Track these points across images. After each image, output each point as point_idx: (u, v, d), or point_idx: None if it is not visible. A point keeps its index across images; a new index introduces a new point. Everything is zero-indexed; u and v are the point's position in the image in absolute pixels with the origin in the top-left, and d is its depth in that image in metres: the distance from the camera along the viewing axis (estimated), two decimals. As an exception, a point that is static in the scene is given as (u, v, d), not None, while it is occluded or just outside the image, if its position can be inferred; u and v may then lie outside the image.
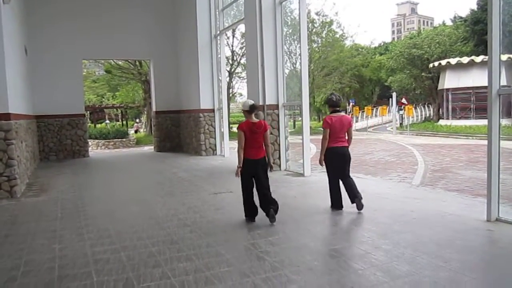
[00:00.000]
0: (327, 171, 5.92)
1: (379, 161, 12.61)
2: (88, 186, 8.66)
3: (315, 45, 35.32)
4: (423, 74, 36.98)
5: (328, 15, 36.49)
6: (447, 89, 31.08)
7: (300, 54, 9.05)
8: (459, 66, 29.87)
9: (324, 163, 5.82)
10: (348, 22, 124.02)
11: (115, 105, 37.70)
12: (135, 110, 40.27)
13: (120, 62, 27.70)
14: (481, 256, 3.99)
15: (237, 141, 5.23)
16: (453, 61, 30.41)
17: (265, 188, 5.21)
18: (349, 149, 5.88)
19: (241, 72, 31.17)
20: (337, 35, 37.79)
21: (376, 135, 27.02)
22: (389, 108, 38.56)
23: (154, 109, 15.58)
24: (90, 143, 18.51)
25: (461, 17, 42.88)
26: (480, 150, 14.32)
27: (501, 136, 4.78)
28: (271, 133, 9.25)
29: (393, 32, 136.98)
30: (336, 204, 5.77)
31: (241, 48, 28.62)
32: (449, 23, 49.10)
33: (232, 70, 29.80)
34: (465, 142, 19.17)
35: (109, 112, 42.71)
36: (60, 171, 10.68)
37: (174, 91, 15.09)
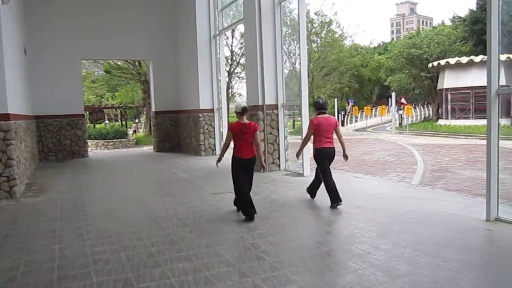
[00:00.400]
0: (321, 170, 6.14)
1: (378, 161, 12.62)
2: (88, 186, 8.66)
3: (314, 45, 35.34)
4: (422, 74, 37.02)
5: (327, 15, 36.64)
6: (446, 89, 31.11)
7: (299, 54, 9.06)
8: (458, 66, 29.90)
9: (315, 161, 6.20)
10: (347, 22, 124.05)
11: (114, 105, 37.67)
12: (134, 110, 40.27)
13: (119, 62, 27.70)
14: (480, 256, 4.00)
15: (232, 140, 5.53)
16: (452, 61, 30.44)
17: (249, 185, 5.59)
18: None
19: (240, 72, 31.19)
20: (336, 35, 37.83)
21: (376, 135, 27.03)
22: (388, 108, 38.58)
23: (153, 109, 15.58)
24: (89, 143, 18.52)
25: (460, 17, 42.93)
26: (479, 150, 14.33)
27: (500, 135, 4.78)
28: (270, 133, 9.27)
29: (392, 32, 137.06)
30: (336, 198, 5.87)
31: (240, 48, 28.64)
32: (448, 23, 49.18)
33: (232, 70, 29.82)
34: (464, 142, 19.18)
35: (109, 112, 42.70)
36: (60, 172, 10.68)
37: (174, 91, 15.09)
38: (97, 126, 33.41)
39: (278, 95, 9.32)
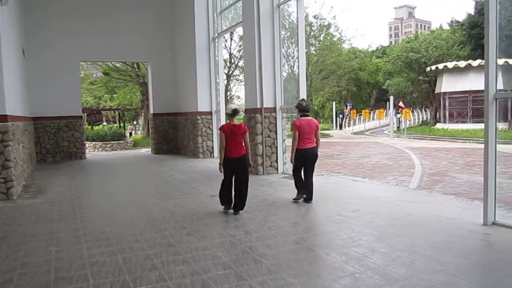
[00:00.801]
0: (293, 168, 6.60)
1: (376, 165, 12.63)
2: (85, 188, 8.64)
3: (312, 49, 35.39)
4: (420, 77, 37.14)
5: (326, 18, 36.63)
6: (444, 93, 31.24)
7: (297, 57, 9.08)
8: (456, 70, 30.03)
9: (293, 160, 6.52)
10: (346, 25, 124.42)
11: (112, 107, 37.63)
12: (132, 112, 40.26)
13: (118, 64, 27.68)
14: (477, 260, 4.00)
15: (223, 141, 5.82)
16: (450, 65, 30.57)
17: (242, 184, 5.85)
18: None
19: (239, 75, 31.20)
20: (335, 39, 37.89)
21: (373, 138, 27.07)
22: (386, 112, 38.69)
23: (151, 111, 15.58)
24: (87, 145, 18.47)
25: (458, 21, 43.08)
26: (477, 154, 14.37)
27: (497, 139, 4.80)
28: (268, 136, 9.28)
29: (390, 35, 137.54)
30: (299, 195, 6.47)
31: (239, 51, 28.64)
32: (446, 27, 49.34)
33: (230, 72, 29.82)
34: (461, 146, 19.23)
35: (107, 114, 42.64)
36: (57, 173, 10.66)
37: (172, 94, 15.09)
38: (95, 128, 33.29)
39: (276, 98, 9.33)
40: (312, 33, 34.89)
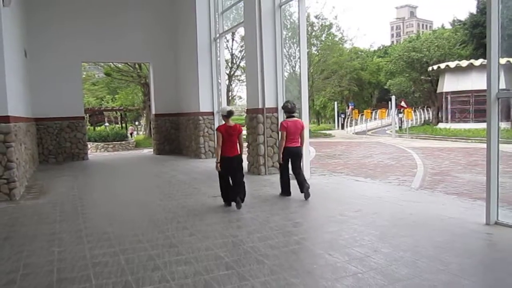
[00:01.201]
0: (280, 165, 6.99)
1: (378, 164, 12.62)
2: (87, 189, 8.65)
3: (314, 48, 35.36)
4: (422, 77, 37.10)
5: (327, 18, 36.56)
6: (446, 93, 31.19)
7: (299, 57, 9.07)
8: (458, 69, 29.98)
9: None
10: (347, 25, 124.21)
11: (114, 108, 37.65)
12: (134, 113, 40.29)
13: (119, 65, 27.71)
14: (480, 260, 3.99)
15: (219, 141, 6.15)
16: (452, 64, 30.52)
17: (238, 181, 6.17)
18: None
19: (240, 75, 31.20)
20: (337, 39, 37.85)
21: (375, 138, 27.04)
22: (388, 111, 38.62)
23: (153, 112, 15.60)
24: (89, 146, 18.50)
25: (460, 21, 43.04)
26: (479, 153, 14.33)
27: (500, 139, 4.78)
28: (270, 136, 9.27)
29: (392, 35, 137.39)
30: (286, 191, 6.89)
31: (240, 51, 28.66)
32: (448, 26, 49.29)
33: (232, 73, 29.84)
34: (464, 145, 19.19)
35: (109, 115, 42.69)
36: (59, 174, 10.68)
37: (174, 94, 15.11)
38: (97, 128, 33.31)
39: (278, 98, 9.32)
40: (313, 33, 34.87)
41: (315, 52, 35.68)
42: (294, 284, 3.40)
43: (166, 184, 8.82)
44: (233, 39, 28.85)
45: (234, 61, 29.70)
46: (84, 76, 30.38)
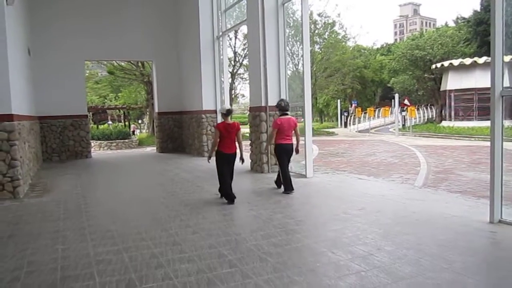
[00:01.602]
0: (279, 163, 7.23)
1: (381, 162, 12.60)
2: (91, 187, 8.68)
3: (317, 47, 35.30)
4: (425, 75, 36.93)
5: (330, 16, 36.54)
6: (450, 90, 31.05)
7: (302, 55, 9.05)
8: (462, 67, 29.84)
9: (275, 156, 7.42)
10: (350, 23, 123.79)
11: (117, 106, 37.68)
12: (137, 111, 40.31)
13: (122, 63, 27.72)
14: (484, 258, 3.99)
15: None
16: (455, 62, 30.38)
17: (231, 177, 6.52)
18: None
19: (243, 73, 31.18)
20: (340, 36, 37.77)
21: (379, 136, 26.99)
22: (391, 109, 38.52)
23: (156, 110, 15.62)
24: (92, 144, 18.54)
25: (464, 18, 42.82)
26: (483, 152, 14.28)
27: (504, 137, 4.77)
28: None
29: (395, 33, 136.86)
30: (289, 187, 6.99)
31: (243, 49, 28.62)
32: (451, 24, 49.04)
33: (235, 71, 29.80)
34: (467, 144, 19.13)
35: (112, 113, 42.71)
36: (63, 172, 10.71)
37: (177, 92, 15.12)
38: (100, 127, 33.34)
39: (281, 96, 9.31)
40: (316, 31, 34.83)
41: (318, 50, 35.63)
42: (297, 282, 3.40)
43: (169, 182, 8.84)
44: (236, 37, 28.82)
45: (237, 59, 29.67)
46: (87, 74, 30.38)
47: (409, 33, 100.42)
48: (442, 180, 9.29)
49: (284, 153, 7.19)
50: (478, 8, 38.96)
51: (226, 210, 6.07)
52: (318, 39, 35.61)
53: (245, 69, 29.38)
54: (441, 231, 4.64)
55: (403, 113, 32.72)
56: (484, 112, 27.34)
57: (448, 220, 5.11)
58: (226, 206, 6.28)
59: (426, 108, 40.52)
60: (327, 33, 36.28)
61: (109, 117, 40.39)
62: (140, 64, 26.57)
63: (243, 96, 37.73)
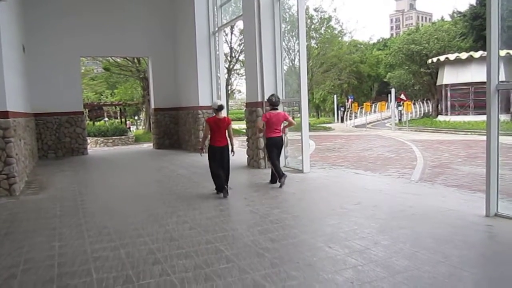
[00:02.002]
0: (269, 156, 7.52)
1: (378, 157, 12.62)
2: (87, 184, 8.66)
3: (313, 42, 35.22)
4: (422, 70, 36.99)
5: (326, 11, 36.40)
6: (446, 85, 31.11)
7: (298, 51, 9.03)
8: (458, 61, 29.90)
9: (266, 150, 7.81)
10: (346, 18, 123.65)
11: (113, 103, 37.56)
12: (134, 108, 40.17)
13: (118, 60, 27.60)
14: (480, 251, 4.00)
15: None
16: (451, 56, 30.43)
17: (225, 170, 6.69)
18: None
19: (239, 69, 31.10)
20: (336, 31, 37.69)
21: (375, 131, 27.01)
22: (388, 104, 38.54)
23: (152, 106, 15.58)
24: (88, 141, 18.48)
25: (460, 12, 42.81)
26: (479, 146, 14.33)
27: (499, 131, 4.78)
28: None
29: (391, 28, 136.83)
30: (280, 175, 7.18)
31: (239, 45, 28.53)
32: (447, 18, 49.08)
33: (231, 67, 29.73)
34: (463, 138, 19.18)
35: (108, 110, 42.59)
36: (59, 169, 10.68)
37: (173, 88, 15.08)
38: (97, 123, 33.22)
39: (277, 91, 9.30)
40: (312, 26, 34.71)
41: (314, 45, 35.54)
42: (294, 277, 3.41)
43: (166, 178, 8.83)
44: (232, 33, 28.74)
45: (233, 55, 29.59)
46: (82, 71, 30.27)
47: (405, 27, 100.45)
48: (439, 174, 9.32)
49: (274, 146, 7.45)
50: (474, 2, 38.94)
51: (223, 205, 6.07)
52: (314, 34, 35.50)
53: (241, 64, 29.30)
54: (438, 225, 4.65)
55: (400, 108, 32.76)
56: (480, 106, 27.42)
57: (444, 214, 5.12)
58: (223, 201, 6.29)
59: (423, 102, 40.59)
60: (323, 28, 36.17)
61: (105, 114, 40.27)
62: (136, 60, 26.46)
63: (240, 92, 37.72)
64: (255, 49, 9.26)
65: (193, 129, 13.57)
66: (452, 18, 44.94)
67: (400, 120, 32.07)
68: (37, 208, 6.34)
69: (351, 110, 37.82)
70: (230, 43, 29.10)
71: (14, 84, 8.59)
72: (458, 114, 29.92)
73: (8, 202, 6.85)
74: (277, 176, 7.23)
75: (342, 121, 38.83)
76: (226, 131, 6.74)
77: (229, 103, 34.19)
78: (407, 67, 38.74)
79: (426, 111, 39.27)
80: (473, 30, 36.59)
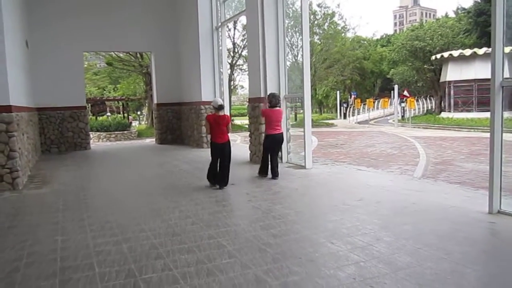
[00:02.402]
0: (263, 150, 7.75)
1: (381, 154, 12.60)
2: (90, 178, 8.68)
3: (316, 37, 35.13)
4: (425, 66, 36.82)
5: (330, 7, 36.34)
6: (449, 82, 30.98)
7: (301, 46, 9.00)
8: (462, 58, 29.75)
9: (263, 146, 7.88)
10: (350, 14, 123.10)
11: (116, 98, 37.59)
12: (136, 103, 40.20)
13: (121, 55, 27.58)
14: (483, 248, 4.00)
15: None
16: (455, 53, 30.27)
17: (225, 165, 6.89)
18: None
19: (242, 64, 31.06)
20: (339, 27, 37.57)
21: (378, 127, 26.98)
22: (390, 101, 38.47)
23: (155, 101, 15.57)
24: (91, 136, 18.52)
25: (464, 9, 42.57)
26: (482, 143, 14.29)
27: (503, 128, 4.76)
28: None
29: (395, 24, 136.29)
30: (265, 171, 7.67)
31: (242, 40, 28.49)
32: (451, 15, 48.84)
33: (234, 62, 29.69)
34: (467, 135, 19.13)
35: (111, 105, 42.62)
36: (62, 163, 10.71)
37: (175, 84, 15.06)
38: (99, 118, 33.25)
39: (280, 87, 9.28)
40: (316, 22, 34.65)
41: (318, 41, 35.47)
42: (296, 273, 3.41)
43: (168, 173, 8.84)
44: (235, 28, 28.69)
45: (236, 50, 29.55)
46: (85, 66, 30.24)
47: (409, 24, 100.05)
48: (441, 171, 9.31)
49: (275, 143, 7.65)
50: (478, -2, 38.72)
51: (226, 201, 6.08)
52: (317, 30, 35.43)
53: (244, 60, 29.26)
54: (440, 222, 4.65)
55: (403, 104, 32.65)
56: (484, 103, 27.31)
57: (447, 210, 5.12)
58: (225, 197, 6.29)
59: (426, 99, 40.47)
60: (326, 24, 36.09)
61: (108, 109, 40.29)
62: (138, 55, 26.45)
63: (242, 87, 37.68)
64: (258, 44, 9.24)
65: (196, 125, 13.57)
66: (456, 15, 44.70)
67: (403, 116, 31.98)
68: (40, 202, 6.37)
69: (354, 106, 37.75)
70: (233, 38, 29.08)
71: (17, 79, 8.60)
72: (462, 111, 29.81)
73: (11, 196, 6.88)
74: (260, 168, 7.67)
75: (344, 117, 38.77)
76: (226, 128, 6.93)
77: (232, 99, 34.10)
78: (410, 64, 38.57)
79: (429, 107, 39.16)
80: (477, 26, 36.38)
